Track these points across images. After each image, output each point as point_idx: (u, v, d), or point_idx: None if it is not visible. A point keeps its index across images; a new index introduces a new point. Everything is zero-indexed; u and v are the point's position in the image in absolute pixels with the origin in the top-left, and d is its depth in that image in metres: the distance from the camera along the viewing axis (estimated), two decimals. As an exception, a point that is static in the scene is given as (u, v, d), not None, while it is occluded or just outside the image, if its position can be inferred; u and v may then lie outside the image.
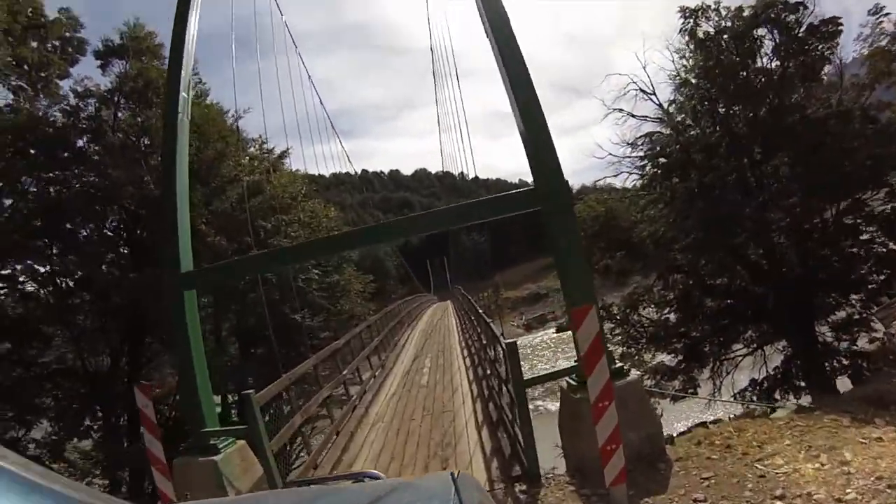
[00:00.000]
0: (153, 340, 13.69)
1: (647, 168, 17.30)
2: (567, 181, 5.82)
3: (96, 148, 13.22)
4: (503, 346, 6.39)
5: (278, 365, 7.61)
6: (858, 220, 14.62)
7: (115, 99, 13.70)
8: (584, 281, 5.68)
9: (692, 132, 16.15)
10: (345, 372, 10.06)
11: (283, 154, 15.64)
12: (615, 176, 18.17)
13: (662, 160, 16.63)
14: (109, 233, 14.09)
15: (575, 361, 5.30)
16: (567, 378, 5.63)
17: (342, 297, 16.45)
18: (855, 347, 15.03)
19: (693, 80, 15.88)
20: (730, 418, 9.10)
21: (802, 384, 15.26)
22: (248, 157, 14.92)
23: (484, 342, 10.71)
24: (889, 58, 14.25)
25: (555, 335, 55.08)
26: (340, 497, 1.56)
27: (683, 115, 16.06)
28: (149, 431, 5.43)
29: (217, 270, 7.43)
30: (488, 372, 10.00)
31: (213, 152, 12.48)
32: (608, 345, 19.88)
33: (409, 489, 1.46)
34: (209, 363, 6.81)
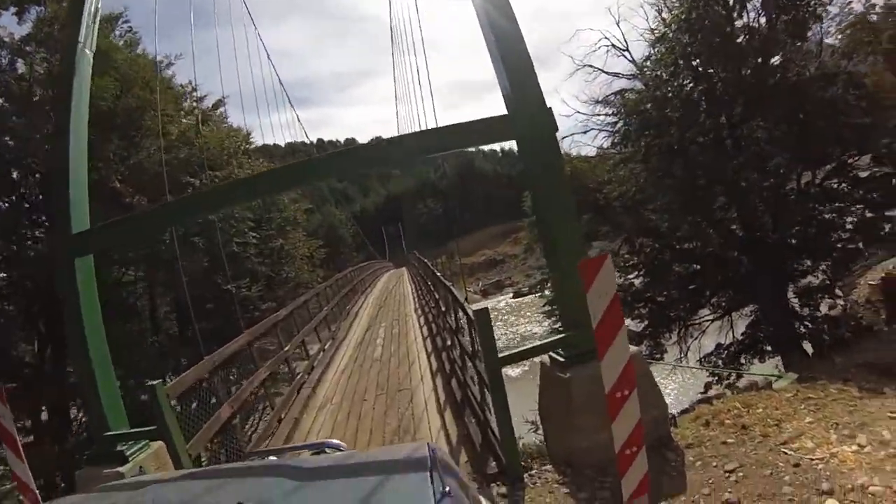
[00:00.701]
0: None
1: (619, 125, 16.39)
2: (550, 108, 4.63)
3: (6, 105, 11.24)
4: (469, 314, 5.24)
5: (199, 344, 6.29)
6: (843, 184, 14.07)
7: (30, 49, 11.67)
8: (571, 228, 4.55)
9: (668, 88, 15.20)
10: (287, 347, 8.77)
11: (218, 104, 13.87)
12: (584, 133, 17.26)
13: (635, 117, 15.72)
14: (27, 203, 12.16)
15: (559, 331, 4.21)
16: (552, 352, 4.52)
17: (286, 263, 14.98)
18: (817, 314, 14.68)
19: (671, 34, 14.84)
20: (724, 389, 8.31)
21: (768, 349, 14.93)
22: (180, 111, 13.07)
23: (443, 309, 9.55)
24: (869, 27, 13.63)
25: (512, 300, 55.01)
26: (308, 471, 1.52)
27: (660, 71, 14.99)
28: (10, 450, 4.06)
29: (117, 228, 5.94)
30: (448, 342, 8.88)
31: (134, 101, 10.67)
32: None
33: (383, 462, 1.50)
34: (142, 346, 5.48)
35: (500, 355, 4.11)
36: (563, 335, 4.49)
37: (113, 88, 10.14)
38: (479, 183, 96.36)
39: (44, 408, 11.15)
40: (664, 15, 15.22)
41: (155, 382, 4.69)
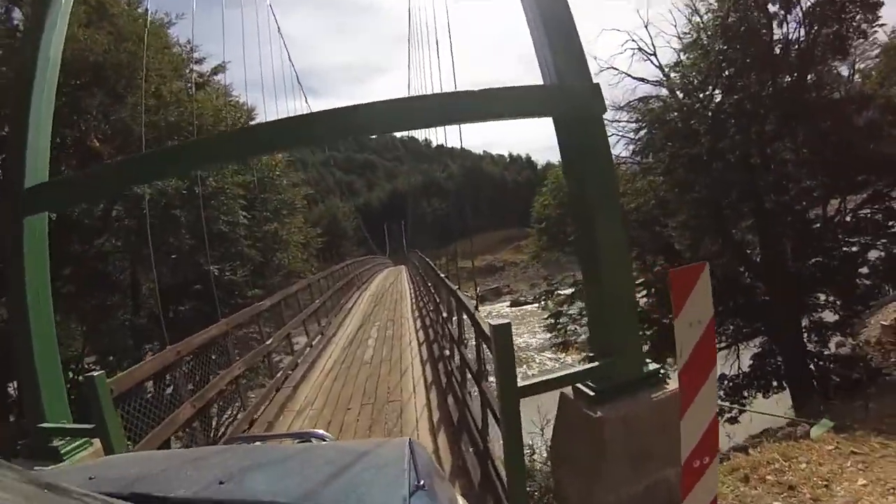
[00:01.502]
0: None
1: (642, 134, 15.64)
2: (598, 85, 3.83)
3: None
4: (483, 327, 4.42)
5: (163, 331, 5.49)
6: (878, 215, 13.28)
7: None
8: (616, 230, 3.75)
9: (698, 97, 14.40)
10: (269, 341, 7.95)
11: (218, 69, 12.93)
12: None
13: (659, 126, 14.95)
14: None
15: (584, 355, 3.39)
16: (580, 384, 3.69)
17: (280, 249, 14.14)
18: (824, 351, 14.06)
19: (705, 40, 14.06)
20: (753, 436, 7.52)
21: (774, 384, 14.32)
22: (179, 76, 12.16)
23: (444, 314, 8.73)
24: None
25: (509, 309, 54.24)
26: (291, 458, 1.57)
27: (691, 78, 14.19)
28: None
29: (78, 183, 5.10)
30: (447, 352, 8.07)
31: (126, 56, 9.81)
32: (576, 326, 18.48)
33: (363, 455, 1.48)
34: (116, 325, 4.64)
35: (520, 384, 3.28)
36: (595, 364, 3.68)
37: (105, 42, 9.32)
38: (484, 187, 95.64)
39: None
40: (696, 19, 14.46)
41: (95, 374, 3.87)
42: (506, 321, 3.25)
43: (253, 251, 11.63)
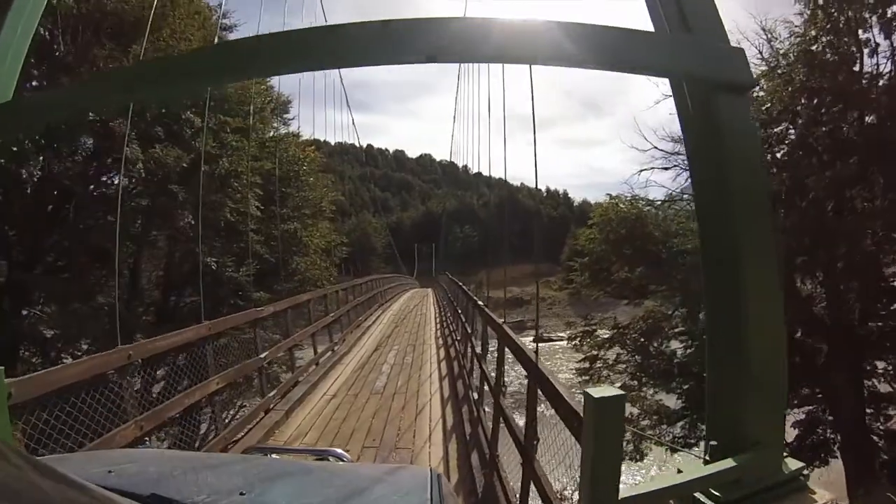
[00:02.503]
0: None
1: None
2: (742, 48, 2.48)
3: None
4: (561, 391, 2.99)
5: (116, 325, 4.29)
6: None
7: None
8: (766, 256, 2.31)
9: (775, 129, 12.94)
10: (263, 355, 6.64)
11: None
12: (665, 169, 15.23)
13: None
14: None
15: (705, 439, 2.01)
16: (699, 492, 2.25)
17: (297, 252, 12.97)
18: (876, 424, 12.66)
19: (786, 66, 12.61)
20: None
21: (822, 455, 12.82)
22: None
23: (476, 349, 7.33)
24: None
25: (532, 345, 52.46)
26: (310, 475, 1.57)
27: (769, 106, 12.72)
28: None
29: (40, 101, 3.94)
30: (475, 395, 6.67)
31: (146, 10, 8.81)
32: (609, 373, 16.88)
33: (384, 479, 1.49)
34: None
35: (622, 496, 1.88)
36: (725, 463, 2.25)
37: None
38: (518, 218, 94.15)
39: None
40: (776, 45, 13.07)
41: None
42: (615, 390, 1.84)
43: (264, 249, 10.43)
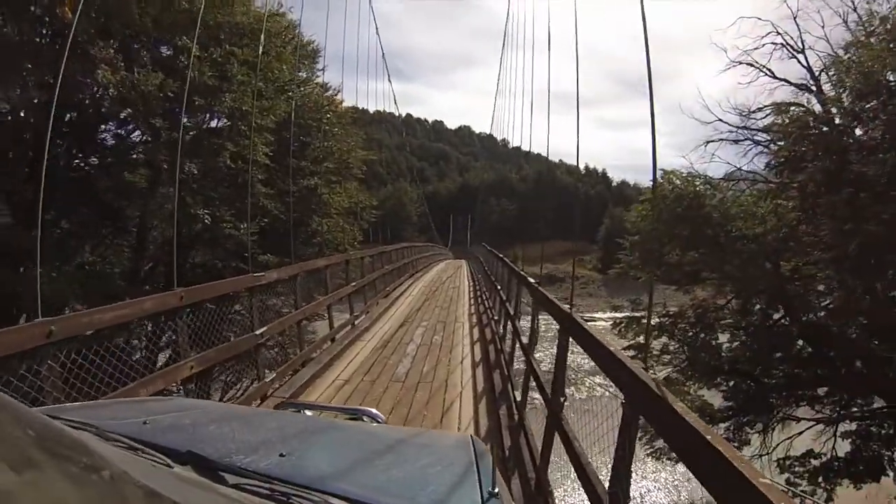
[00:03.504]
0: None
1: (784, 145, 12.63)
2: None
3: None
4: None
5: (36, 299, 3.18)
6: None
7: None
8: None
9: (862, 106, 11.08)
10: (259, 331, 5.40)
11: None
12: (735, 143, 13.74)
13: (807, 140, 11.86)
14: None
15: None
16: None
17: (318, 212, 11.46)
18: None
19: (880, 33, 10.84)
20: None
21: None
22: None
23: (522, 340, 5.97)
24: None
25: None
26: (350, 436, 1.53)
27: (855, 83, 10.85)
28: None
29: None
30: (517, 396, 5.33)
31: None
32: (654, 363, 15.52)
33: (424, 445, 1.47)
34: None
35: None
36: None
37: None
38: (555, 195, 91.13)
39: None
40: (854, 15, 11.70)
41: None
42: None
43: (277, 205, 9.15)
